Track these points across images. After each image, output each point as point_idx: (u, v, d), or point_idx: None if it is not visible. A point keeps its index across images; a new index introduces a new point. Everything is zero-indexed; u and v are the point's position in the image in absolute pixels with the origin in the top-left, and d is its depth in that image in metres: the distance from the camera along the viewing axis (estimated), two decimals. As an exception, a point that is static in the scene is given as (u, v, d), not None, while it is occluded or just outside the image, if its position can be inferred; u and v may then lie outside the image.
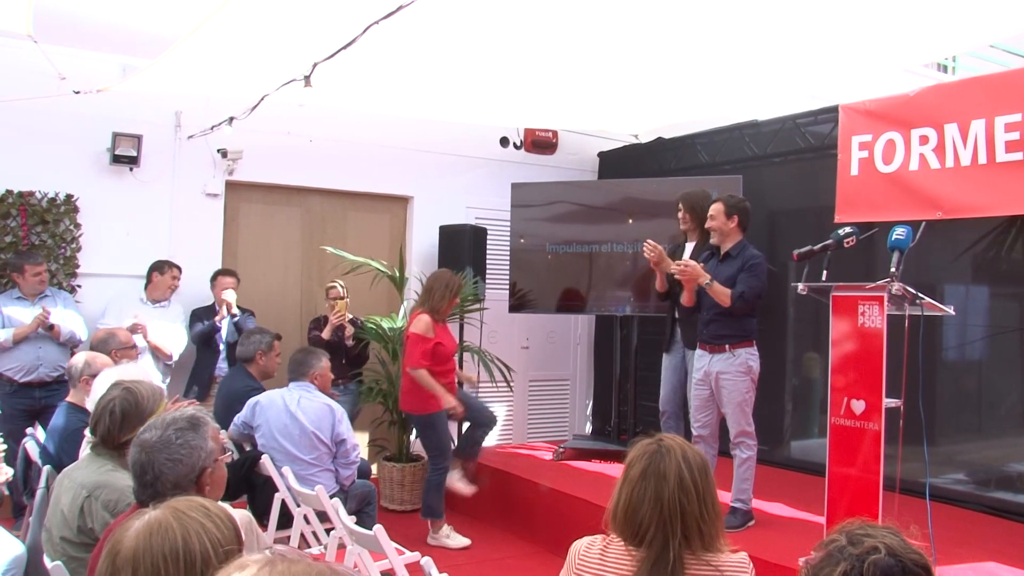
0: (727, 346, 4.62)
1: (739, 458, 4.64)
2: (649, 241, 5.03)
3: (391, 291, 6.77)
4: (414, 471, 6.32)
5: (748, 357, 4.62)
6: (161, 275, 5.92)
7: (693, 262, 4.72)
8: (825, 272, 4.35)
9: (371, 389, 6.40)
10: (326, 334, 6.12)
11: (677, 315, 5.31)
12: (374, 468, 6.32)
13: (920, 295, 3.75)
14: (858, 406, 3.85)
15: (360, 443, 5.06)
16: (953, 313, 3.91)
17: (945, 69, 8.21)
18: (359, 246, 6.84)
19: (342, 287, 6.24)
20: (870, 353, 3.81)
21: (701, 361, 4.75)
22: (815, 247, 4.44)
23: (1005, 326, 5.05)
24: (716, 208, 4.72)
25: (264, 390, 5.05)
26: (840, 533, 1.56)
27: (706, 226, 4.81)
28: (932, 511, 3.67)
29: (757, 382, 4.68)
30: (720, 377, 4.64)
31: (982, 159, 4.43)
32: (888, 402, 3.75)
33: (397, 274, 6.57)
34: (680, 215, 5.24)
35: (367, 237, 7.12)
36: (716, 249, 4.78)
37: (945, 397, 5.23)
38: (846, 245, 4.31)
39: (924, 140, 4.72)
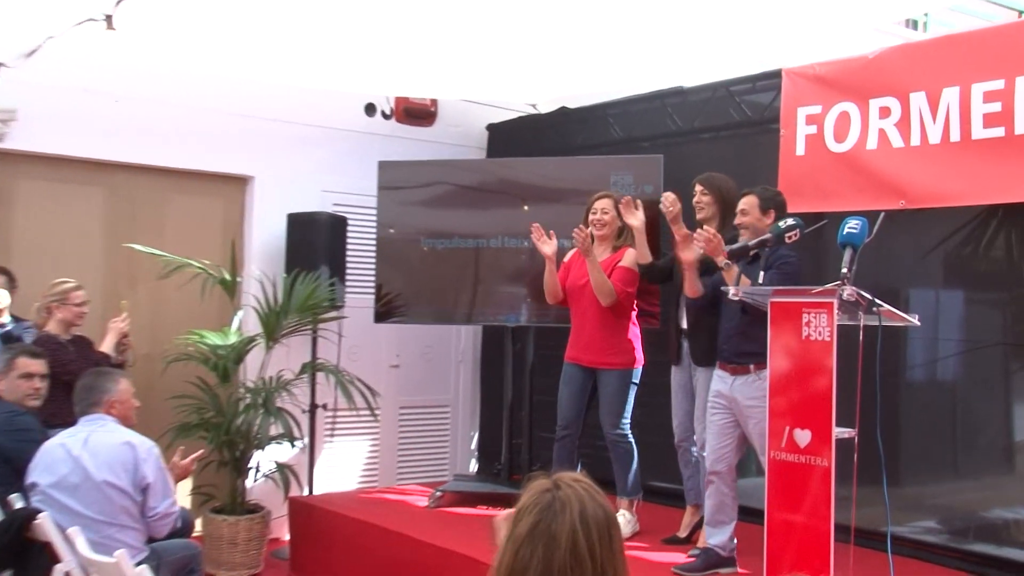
0: (751, 366, 4.44)
1: None
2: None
3: (222, 298, 6.52)
4: (250, 526, 6.10)
5: None
6: None
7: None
8: (763, 273, 4.39)
9: (191, 423, 6.11)
10: (108, 347, 5.65)
11: (685, 323, 5.23)
12: (198, 524, 6.04)
13: (878, 301, 3.80)
14: (803, 437, 3.90)
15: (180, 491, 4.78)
16: (919, 323, 4.00)
17: (915, 25, 8.42)
18: (182, 239, 6.64)
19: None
20: (817, 372, 3.87)
21: (721, 383, 4.62)
22: (750, 243, 4.53)
23: (984, 340, 5.09)
24: (748, 202, 4.65)
25: (28, 416, 4.66)
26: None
27: (736, 222, 4.75)
28: (895, 567, 3.73)
29: None
30: (745, 406, 4.49)
31: (954, 136, 4.50)
32: (839, 432, 3.81)
33: (228, 276, 6.36)
34: (696, 199, 5.14)
35: (193, 227, 6.92)
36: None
37: (910, 426, 5.28)
38: (787, 241, 4.38)
39: (885, 112, 4.79)
